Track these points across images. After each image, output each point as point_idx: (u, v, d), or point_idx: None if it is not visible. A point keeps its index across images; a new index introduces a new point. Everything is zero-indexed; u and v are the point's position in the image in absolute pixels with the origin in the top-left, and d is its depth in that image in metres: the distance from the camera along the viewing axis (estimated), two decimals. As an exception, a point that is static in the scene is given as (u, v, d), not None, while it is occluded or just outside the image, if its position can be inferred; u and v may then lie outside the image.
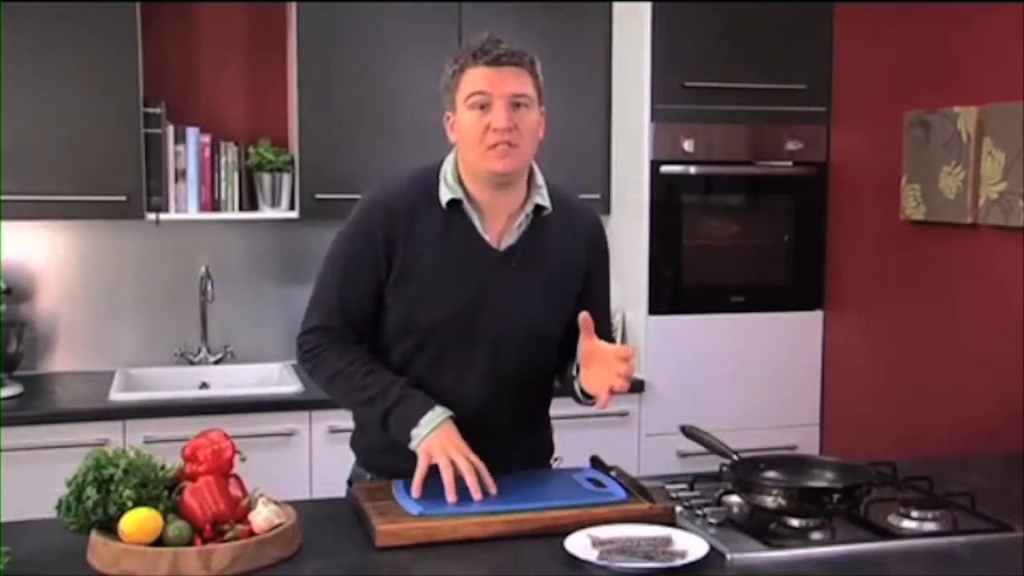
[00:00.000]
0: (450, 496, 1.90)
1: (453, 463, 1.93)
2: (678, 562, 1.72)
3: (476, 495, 1.91)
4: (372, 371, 2.04)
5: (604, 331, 2.08)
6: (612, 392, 1.94)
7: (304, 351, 2.10)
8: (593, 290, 2.15)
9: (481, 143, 1.95)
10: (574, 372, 2.05)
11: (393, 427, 2.01)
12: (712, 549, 1.78)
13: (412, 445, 1.98)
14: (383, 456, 2.12)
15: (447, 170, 2.05)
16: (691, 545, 1.78)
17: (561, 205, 2.09)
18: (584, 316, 1.94)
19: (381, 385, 2.02)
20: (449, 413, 2.00)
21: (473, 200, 2.03)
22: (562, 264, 2.09)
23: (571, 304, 2.08)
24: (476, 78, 1.96)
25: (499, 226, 2.05)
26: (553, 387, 2.24)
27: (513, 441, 2.13)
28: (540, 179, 2.08)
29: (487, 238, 2.04)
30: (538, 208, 2.06)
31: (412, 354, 2.07)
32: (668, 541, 1.80)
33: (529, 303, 2.06)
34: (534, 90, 1.99)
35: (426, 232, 2.01)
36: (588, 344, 1.96)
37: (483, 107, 1.95)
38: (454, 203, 2.02)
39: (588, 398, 2.05)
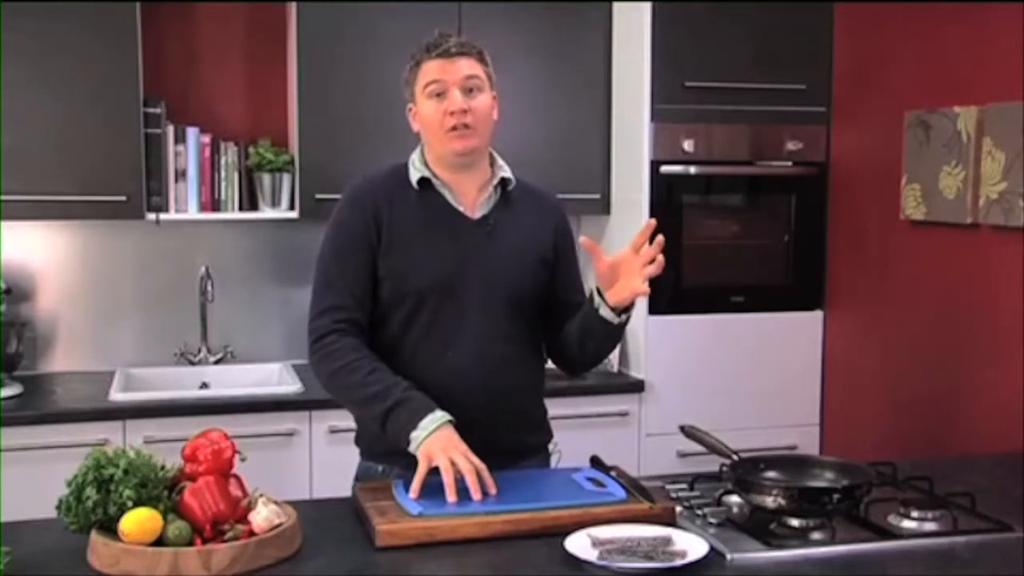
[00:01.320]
0: (451, 496, 1.92)
1: (454, 464, 1.95)
2: (678, 562, 1.72)
3: (476, 495, 1.92)
4: (375, 370, 2.10)
5: (582, 293, 2.27)
6: (643, 294, 2.07)
7: (315, 338, 2.15)
8: (566, 263, 2.30)
9: (441, 127, 2.13)
10: (595, 297, 2.12)
11: (391, 428, 2.05)
12: (712, 549, 1.79)
13: (411, 448, 2.01)
14: (382, 440, 2.14)
15: (414, 157, 2.23)
16: (691, 545, 1.79)
17: (526, 187, 2.28)
18: (585, 240, 2.09)
19: (382, 385, 2.08)
20: (448, 417, 2.03)
21: (440, 179, 2.20)
22: (530, 233, 2.24)
23: (543, 271, 2.24)
24: (431, 69, 2.14)
25: (470, 198, 2.21)
26: (543, 360, 2.33)
27: (509, 410, 2.20)
28: (500, 160, 2.25)
29: (460, 209, 2.19)
30: (504, 183, 2.23)
31: (406, 322, 2.16)
32: (668, 541, 1.81)
33: (506, 265, 2.19)
34: (484, 75, 2.17)
35: (405, 208, 2.17)
36: (603, 263, 2.08)
37: (439, 95, 2.13)
38: (425, 182, 2.19)
39: (623, 312, 2.12)
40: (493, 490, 1.95)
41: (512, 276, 2.20)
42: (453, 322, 2.15)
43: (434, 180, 2.18)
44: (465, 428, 2.03)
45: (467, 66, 2.13)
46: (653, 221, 2.07)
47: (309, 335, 2.17)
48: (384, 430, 2.06)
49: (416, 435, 2.00)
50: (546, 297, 2.27)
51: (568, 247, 2.32)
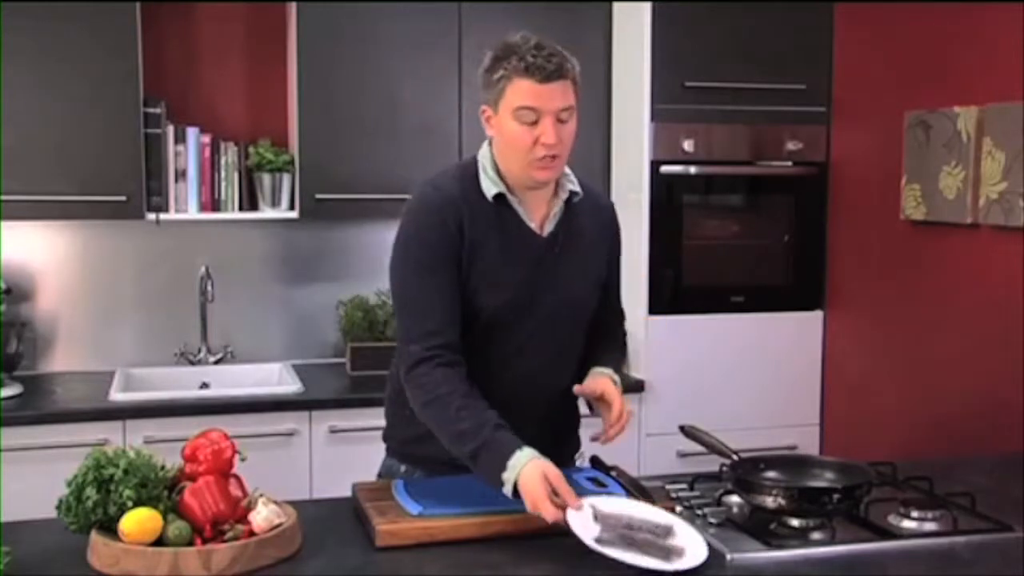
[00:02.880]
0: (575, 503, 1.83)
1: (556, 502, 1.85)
2: (676, 565, 1.71)
3: (575, 501, 1.83)
4: (465, 407, 1.98)
5: (615, 306, 2.33)
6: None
7: (409, 367, 2.05)
8: (610, 272, 2.29)
9: (528, 153, 2.02)
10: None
11: (481, 471, 1.94)
12: (711, 549, 1.78)
13: (505, 490, 1.88)
14: (417, 446, 2.16)
15: (486, 165, 2.12)
16: (690, 543, 1.78)
17: (586, 195, 2.20)
18: (578, 388, 2.15)
19: (470, 423, 1.96)
20: (534, 454, 1.90)
21: (514, 192, 2.12)
22: (592, 246, 2.21)
23: (599, 289, 2.24)
24: (525, 92, 2.00)
25: (540, 215, 2.14)
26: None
27: (559, 412, 2.24)
28: (568, 170, 2.18)
29: (532, 226, 2.13)
30: (569, 195, 2.16)
31: (477, 337, 2.09)
32: (669, 532, 1.81)
33: (571, 282, 2.16)
34: (575, 99, 2.07)
35: (481, 223, 2.08)
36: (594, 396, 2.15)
37: (532, 122, 2.01)
38: (499, 196, 2.10)
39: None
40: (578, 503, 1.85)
41: (577, 295, 2.18)
42: (520, 337, 2.12)
43: (508, 195, 2.10)
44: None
45: (563, 94, 2.02)
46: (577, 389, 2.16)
47: (404, 360, 2.07)
48: (475, 468, 1.95)
49: (507, 476, 1.87)
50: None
51: (617, 246, 2.30)
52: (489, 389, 2.04)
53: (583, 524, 1.79)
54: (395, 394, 2.19)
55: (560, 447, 2.24)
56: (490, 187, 2.09)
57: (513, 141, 2.03)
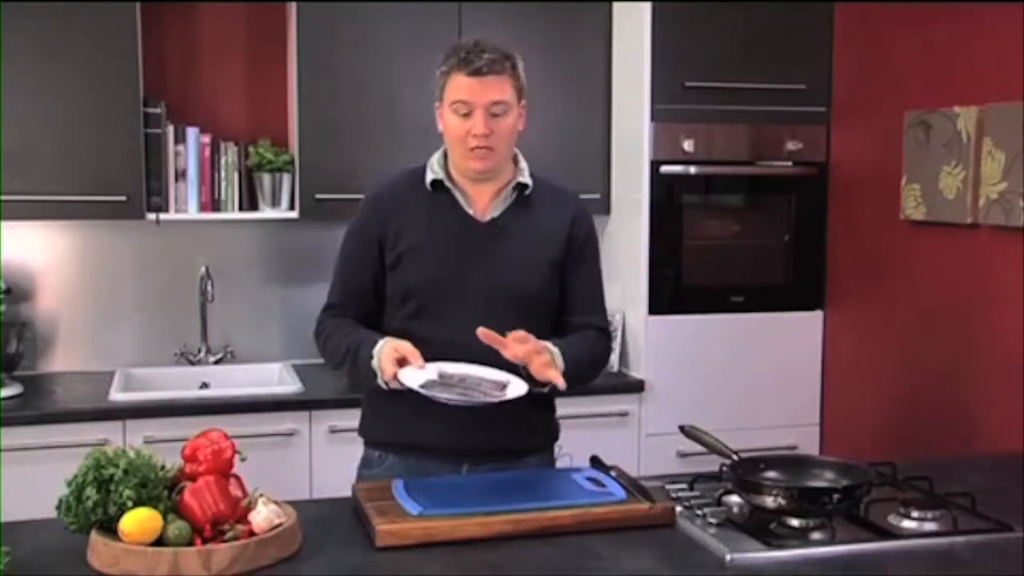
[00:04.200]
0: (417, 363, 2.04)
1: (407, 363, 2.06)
2: (491, 399, 1.93)
3: (417, 362, 2.04)
4: (353, 332, 2.22)
5: (594, 309, 2.34)
6: (544, 374, 2.07)
7: (316, 328, 2.33)
8: (575, 265, 2.30)
9: (463, 144, 2.18)
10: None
11: (362, 368, 2.15)
12: (711, 549, 1.77)
13: (379, 379, 2.10)
14: (382, 427, 2.30)
15: (434, 159, 2.29)
16: (513, 388, 1.97)
17: (548, 188, 2.32)
18: (482, 331, 2.03)
19: (353, 340, 2.20)
20: (384, 339, 2.14)
21: (456, 183, 2.26)
22: (542, 232, 2.26)
23: (553, 273, 2.26)
24: (459, 86, 2.15)
25: (483, 203, 2.26)
26: None
27: (510, 409, 2.14)
28: (523, 163, 2.30)
29: (471, 212, 2.24)
30: (521, 187, 2.26)
31: (410, 318, 2.23)
32: (504, 387, 2.01)
33: (511, 267, 2.23)
34: (513, 93, 2.20)
35: (414, 211, 2.24)
36: (507, 350, 2.07)
37: (465, 114, 2.16)
38: (438, 184, 2.24)
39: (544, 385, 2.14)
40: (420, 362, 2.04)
41: (517, 278, 2.22)
42: (454, 319, 2.18)
43: (447, 183, 2.24)
44: (468, 426, 2.11)
45: (496, 89, 2.15)
46: (481, 331, 2.04)
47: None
48: (358, 373, 2.18)
49: (374, 363, 2.11)
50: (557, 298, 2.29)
51: (581, 253, 2.29)
52: None
53: (411, 377, 1.99)
54: (364, 387, 2.32)
55: (528, 436, 2.28)
56: (430, 175, 2.25)
57: (450, 133, 2.20)
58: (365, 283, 2.28)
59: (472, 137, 2.15)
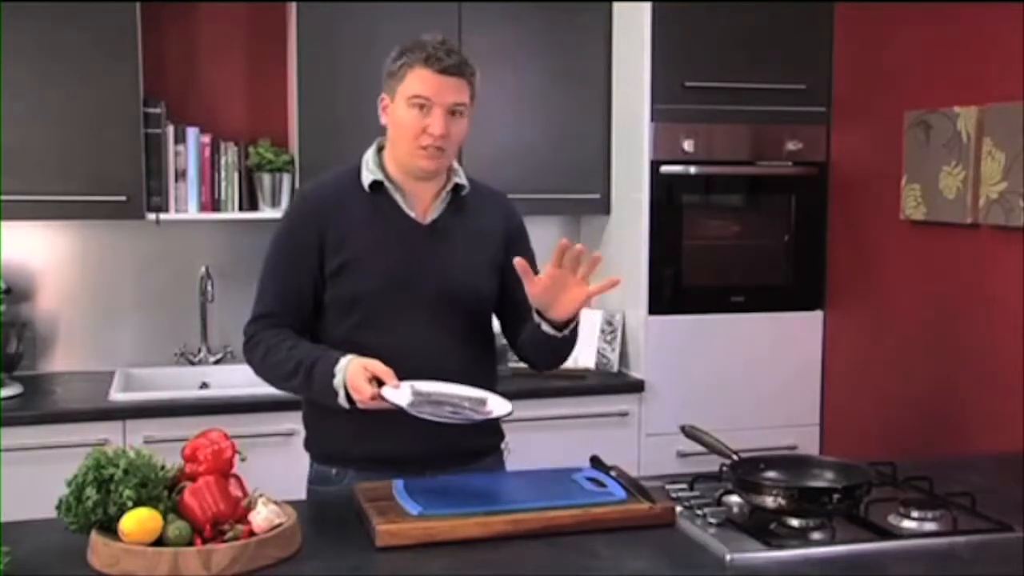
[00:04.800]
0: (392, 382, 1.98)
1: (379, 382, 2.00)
2: (477, 417, 1.94)
3: (392, 381, 1.98)
4: (297, 346, 2.13)
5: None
6: (589, 297, 2.05)
7: (245, 341, 2.22)
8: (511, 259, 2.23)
9: (415, 141, 2.12)
10: (536, 319, 2.12)
11: (318, 385, 2.06)
12: (712, 549, 1.78)
13: (341, 398, 2.03)
14: (346, 447, 2.20)
15: (368, 157, 2.22)
16: (498, 405, 1.97)
17: (480, 190, 2.30)
18: (519, 261, 2.03)
19: (302, 354, 2.11)
20: (350, 356, 2.05)
21: (395, 183, 2.20)
22: (481, 233, 2.25)
23: (494, 274, 2.25)
24: (422, 81, 2.10)
25: (423, 205, 2.21)
26: (495, 362, 2.35)
27: None
28: (456, 165, 2.26)
29: (412, 215, 2.20)
30: (456, 188, 2.23)
31: (356, 326, 2.16)
32: (482, 403, 2.00)
33: (455, 270, 2.20)
34: (470, 99, 2.16)
35: (354, 214, 2.17)
36: (535, 283, 2.05)
37: (422, 108, 2.10)
38: (377, 185, 2.18)
39: (565, 326, 2.12)
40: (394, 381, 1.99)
41: (461, 281, 2.20)
42: (403, 327, 2.15)
43: (387, 183, 2.18)
44: (417, 432, 2.02)
45: (458, 90, 2.11)
46: (564, 240, 2.02)
47: (243, 342, 2.22)
48: (311, 391, 2.11)
49: (337, 381, 2.03)
50: (500, 299, 2.27)
51: (521, 249, 2.24)
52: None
53: (398, 396, 1.94)
54: (307, 403, 2.27)
55: (483, 437, 2.23)
56: (368, 176, 2.18)
57: (403, 127, 2.12)
58: (302, 290, 2.17)
59: (427, 135, 2.10)
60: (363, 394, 1.98)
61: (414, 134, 2.11)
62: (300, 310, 2.18)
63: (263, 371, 2.20)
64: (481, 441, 2.25)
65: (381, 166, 2.20)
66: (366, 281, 2.15)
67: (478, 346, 2.26)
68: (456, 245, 2.21)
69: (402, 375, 2.02)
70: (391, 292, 2.15)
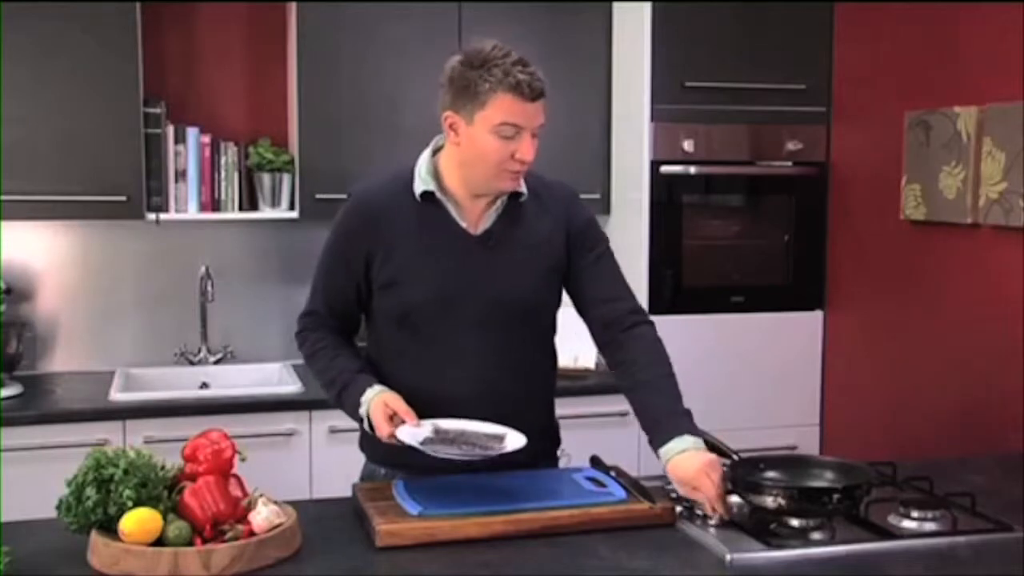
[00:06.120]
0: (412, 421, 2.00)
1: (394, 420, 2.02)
2: (491, 452, 1.93)
3: (412, 419, 2.00)
4: (337, 356, 2.18)
5: (621, 293, 2.21)
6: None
7: (296, 331, 2.28)
8: (581, 259, 2.20)
9: (500, 166, 2.04)
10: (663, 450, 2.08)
11: (348, 409, 2.14)
12: (712, 549, 1.77)
13: (365, 426, 2.09)
14: (397, 454, 2.11)
15: (421, 166, 2.14)
16: (512, 440, 1.96)
17: (539, 192, 2.19)
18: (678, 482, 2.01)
19: (338, 370, 2.16)
20: (383, 389, 2.08)
21: (448, 192, 2.12)
22: (537, 240, 2.16)
23: (555, 278, 2.19)
24: (511, 109, 1.99)
25: (475, 215, 2.14)
26: (555, 369, 2.31)
27: (514, 423, 2.10)
28: None
29: (463, 225, 2.13)
30: (514, 195, 2.14)
31: (408, 336, 2.15)
32: (501, 439, 1.99)
33: (509, 280, 2.13)
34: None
35: (403, 225, 2.12)
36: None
37: (510, 136, 2.01)
38: (428, 195, 2.11)
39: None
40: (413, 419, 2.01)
41: (517, 290, 2.13)
42: (453, 338, 2.12)
43: (439, 194, 2.11)
44: None
45: (542, 110, 2.03)
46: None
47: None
48: (343, 408, 2.16)
49: (362, 411, 2.08)
50: (573, 295, 2.22)
51: (585, 243, 2.19)
52: (432, 393, 2.09)
53: (414, 434, 1.96)
54: None
55: (535, 444, 2.13)
56: (419, 186, 2.11)
57: (488, 154, 2.02)
58: (348, 299, 2.19)
59: (515, 161, 2.02)
60: (381, 431, 2.01)
61: (502, 160, 2.02)
62: (345, 314, 2.22)
63: (309, 367, 2.27)
64: (534, 447, 2.14)
65: (435, 174, 2.12)
66: (415, 295, 2.11)
67: (533, 353, 2.22)
68: (508, 255, 2.13)
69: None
70: (440, 305, 2.11)
